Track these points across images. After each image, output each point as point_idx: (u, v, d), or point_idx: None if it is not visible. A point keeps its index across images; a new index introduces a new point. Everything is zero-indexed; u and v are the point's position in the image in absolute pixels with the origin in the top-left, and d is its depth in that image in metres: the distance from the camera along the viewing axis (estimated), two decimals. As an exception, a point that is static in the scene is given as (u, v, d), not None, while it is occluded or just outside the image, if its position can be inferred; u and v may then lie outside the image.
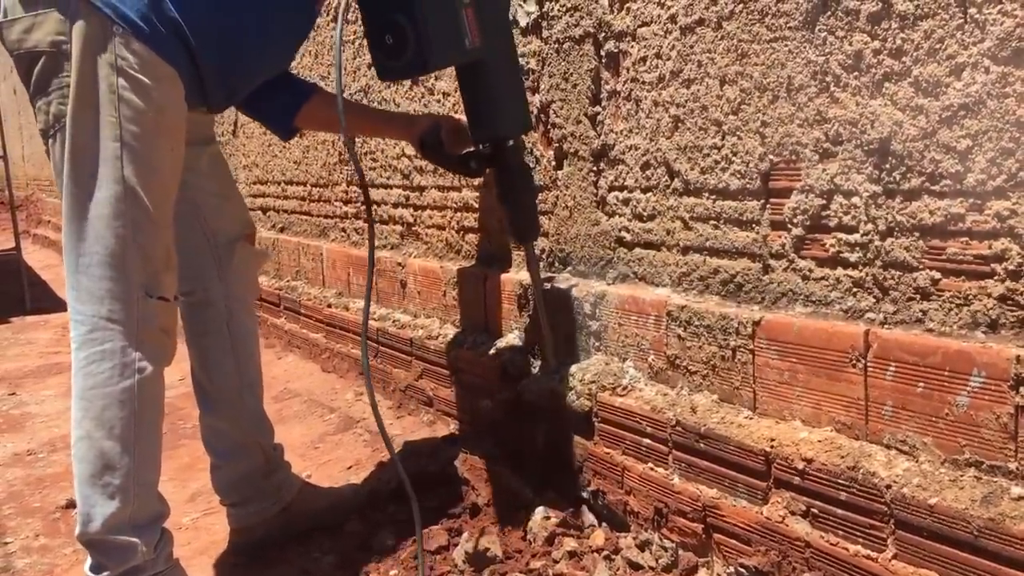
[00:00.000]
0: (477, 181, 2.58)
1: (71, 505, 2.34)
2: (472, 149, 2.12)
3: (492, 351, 2.42)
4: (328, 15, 3.28)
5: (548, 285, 2.20)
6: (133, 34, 1.58)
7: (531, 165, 2.28)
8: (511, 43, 2.08)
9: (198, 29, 1.65)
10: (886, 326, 1.48)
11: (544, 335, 2.16)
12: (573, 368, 2.08)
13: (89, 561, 1.69)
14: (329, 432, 2.89)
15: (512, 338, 2.39)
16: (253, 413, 2.10)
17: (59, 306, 5.39)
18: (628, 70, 1.95)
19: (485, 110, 2.02)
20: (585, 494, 2.04)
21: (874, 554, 1.42)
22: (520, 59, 2.26)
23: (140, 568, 1.68)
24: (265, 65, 1.90)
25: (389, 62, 1.88)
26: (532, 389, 2.20)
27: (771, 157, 1.64)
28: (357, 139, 3.28)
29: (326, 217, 3.73)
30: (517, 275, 2.39)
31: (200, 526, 2.30)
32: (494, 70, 1.98)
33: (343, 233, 3.59)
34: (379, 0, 1.86)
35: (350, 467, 2.57)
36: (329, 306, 3.53)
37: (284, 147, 4.00)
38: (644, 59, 1.89)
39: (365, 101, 3.10)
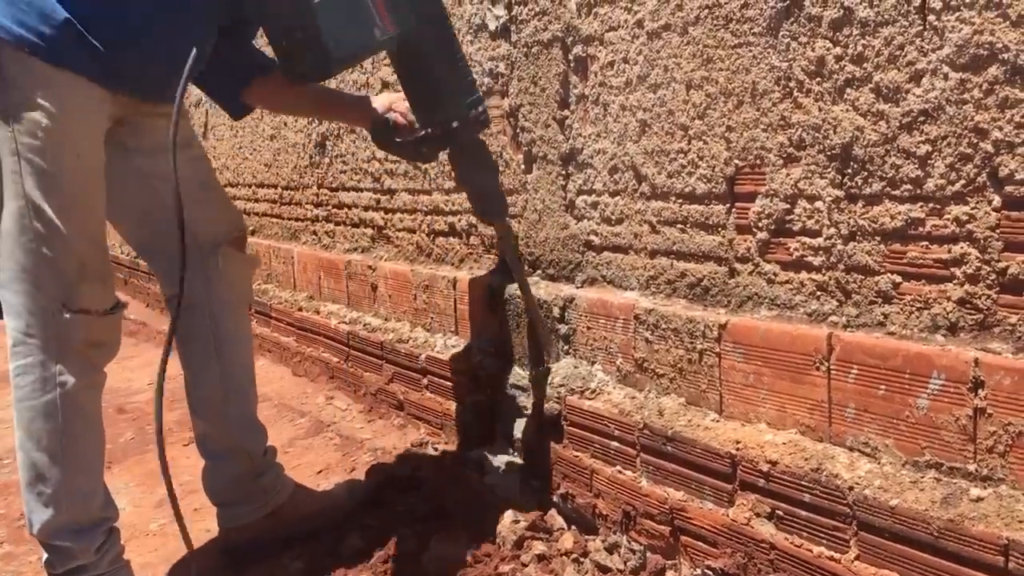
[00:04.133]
0: (448, 184, 2.58)
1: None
2: (422, 134, 1.98)
3: (462, 354, 2.42)
4: None
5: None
6: (16, 46, 1.55)
7: (501, 168, 2.28)
8: (444, 22, 1.95)
9: (96, 26, 1.59)
10: (849, 329, 1.50)
11: (533, 319, 2.11)
12: (542, 371, 2.09)
13: (44, 555, 1.76)
14: (299, 436, 2.87)
15: (482, 341, 2.39)
16: (239, 419, 2.06)
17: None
18: (596, 74, 1.95)
19: (424, 94, 1.93)
20: (554, 497, 2.05)
21: (837, 555, 1.44)
22: (489, 63, 2.26)
23: (82, 568, 1.73)
24: (184, 44, 1.67)
25: (292, 66, 1.76)
26: (504, 393, 2.21)
27: (736, 162, 1.66)
28: (327, 141, 3.27)
29: (297, 220, 3.71)
30: (487, 278, 2.39)
31: (168, 532, 2.28)
32: (426, 53, 1.87)
33: (314, 236, 3.58)
34: (273, 2, 1.73)
35: (320, 471, 2.56)
36: (300, 309, 3.51)
37: (255, 150, 3.98)
38: (612, 63, 1.90)
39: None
